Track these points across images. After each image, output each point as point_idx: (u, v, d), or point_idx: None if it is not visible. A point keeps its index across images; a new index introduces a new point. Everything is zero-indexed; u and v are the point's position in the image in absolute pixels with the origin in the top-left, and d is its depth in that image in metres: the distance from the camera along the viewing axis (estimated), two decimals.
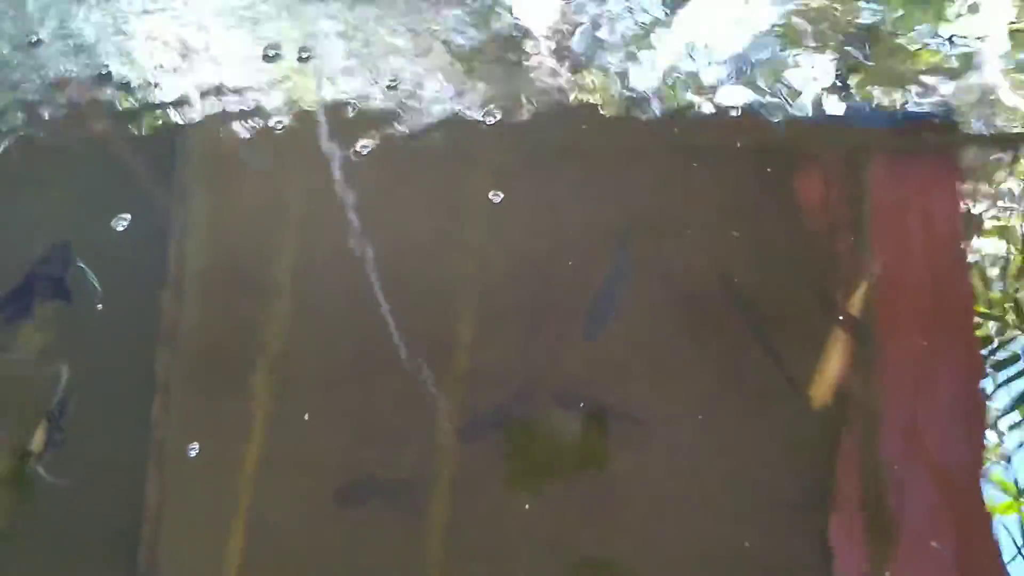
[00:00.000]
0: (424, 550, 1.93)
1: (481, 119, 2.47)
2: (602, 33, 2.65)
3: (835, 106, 2.53)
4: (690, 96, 2.53)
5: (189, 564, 1.96)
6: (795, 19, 2.66)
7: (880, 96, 2.52)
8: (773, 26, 2.67)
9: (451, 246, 2.32)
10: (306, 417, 2.07)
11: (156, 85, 2.58)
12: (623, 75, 2.57)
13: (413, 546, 1.92)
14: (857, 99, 2.54)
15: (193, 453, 2.01)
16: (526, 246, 2.31)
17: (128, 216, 2.33)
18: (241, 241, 2.36)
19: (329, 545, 1.94)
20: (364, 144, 2.44)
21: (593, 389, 2.11)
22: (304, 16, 2.71)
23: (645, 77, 2.56)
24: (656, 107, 2.50)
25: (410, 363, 2.13)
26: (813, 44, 2.62)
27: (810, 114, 2.51)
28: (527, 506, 1.96)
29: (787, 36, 2.64)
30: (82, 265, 2.23)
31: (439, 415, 2.06)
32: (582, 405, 2.09)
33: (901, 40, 2.61)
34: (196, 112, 2.55)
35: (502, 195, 2.35)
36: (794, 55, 2.60)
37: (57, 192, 2.45)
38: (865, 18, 2.66)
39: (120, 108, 2.54)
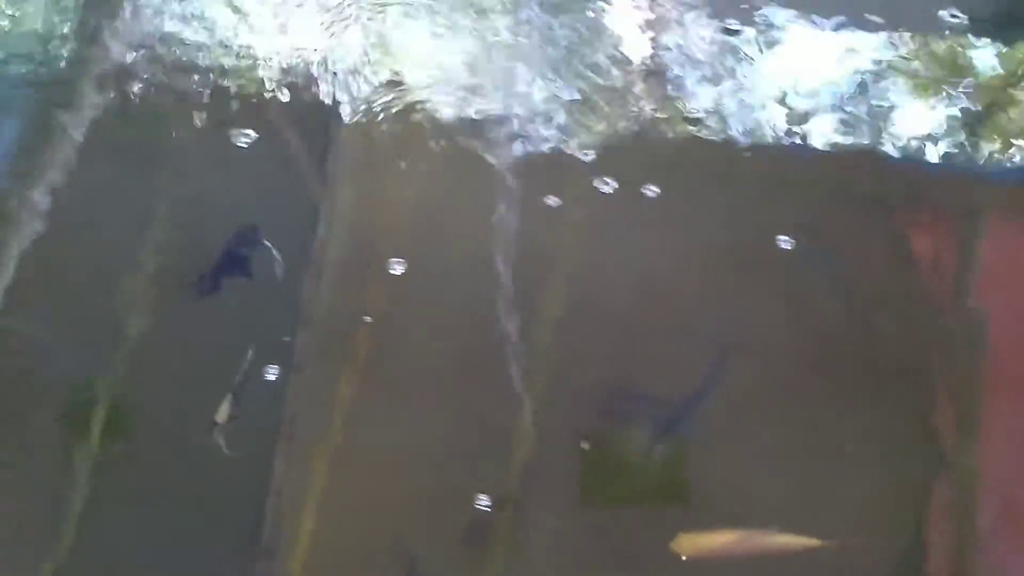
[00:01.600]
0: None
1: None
2: (699, 65, 2.71)
3: (951, 156, 2.48)
4: (789, 133, 2.56)
5: (309, 540, 1.98)
6: (913, 63, 2.64)
7: (1000, 149, 2.50)
8: (885, 66, 2.66)
9: (573, 264, 2.39)
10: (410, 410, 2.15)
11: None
12: (723, 110, 2.63)
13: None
14: (977, 151, 2.51)
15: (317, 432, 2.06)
16: (646, 267, 2.37)
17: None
18: (382, 235, 2.39)
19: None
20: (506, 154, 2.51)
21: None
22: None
23: (748, 114, 2.63)
24: (751, 141, 2.55)
25: (516, 373, 2.20)
26: (929, 89, 2.60)
27: (925, 162, 2.49)
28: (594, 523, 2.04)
29: (901, 77, 2.62)
30: (268, 244, 2.32)
31: (524, 425, 2.14)
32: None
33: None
34: (357, 107, 2.59)
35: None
36: (910, 99, 2.57)
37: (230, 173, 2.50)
38: (985, 63, 2.62)
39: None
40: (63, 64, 2.66)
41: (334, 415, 2.12)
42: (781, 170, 2.57)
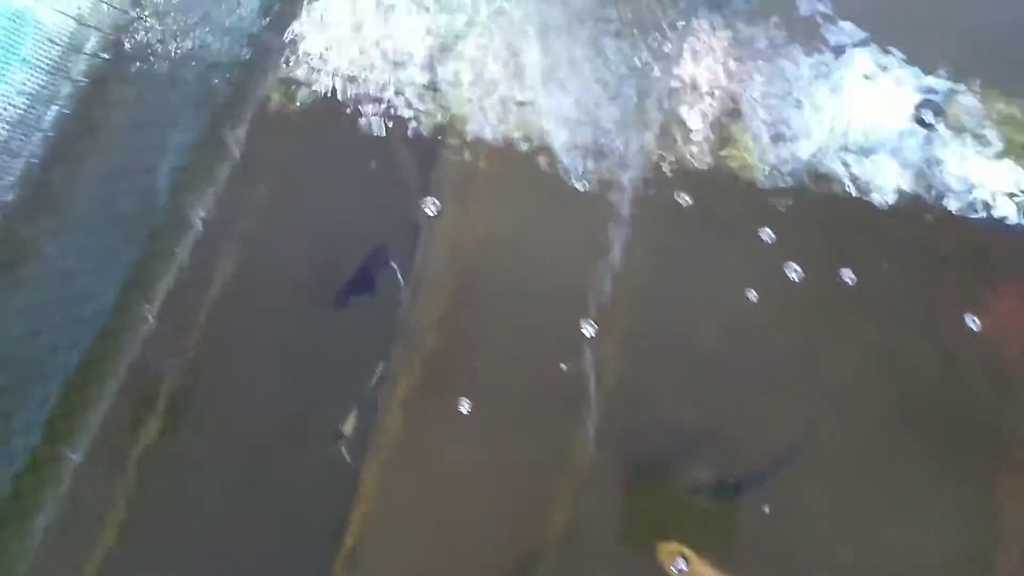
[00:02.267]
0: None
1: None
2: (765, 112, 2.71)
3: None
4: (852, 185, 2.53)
5: (390, 547, 2.17)
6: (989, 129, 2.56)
7: None
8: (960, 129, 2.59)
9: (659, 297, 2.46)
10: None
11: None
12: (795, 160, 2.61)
13: None
14: None
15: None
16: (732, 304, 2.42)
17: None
18: (476, 256, 2.55)
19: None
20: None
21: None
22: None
23: (820, 161, 2.60)
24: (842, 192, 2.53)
25: (598, 402, 2.29)
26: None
27: (1009, 224, 2.43)
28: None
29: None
30: (394, 265, 2.49)
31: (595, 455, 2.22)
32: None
33: None
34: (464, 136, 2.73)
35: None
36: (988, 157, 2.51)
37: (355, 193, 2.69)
38: None
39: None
40: (232, 88, 2.95)
41: (418, 428, 2.28)
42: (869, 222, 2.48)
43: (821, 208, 2.52)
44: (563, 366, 2.30)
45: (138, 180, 2.66)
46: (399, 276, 2.49)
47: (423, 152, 2.73)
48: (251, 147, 2.80)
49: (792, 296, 2.40)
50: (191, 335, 2.48)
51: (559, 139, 2.69)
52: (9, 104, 2.22)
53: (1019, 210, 2.45)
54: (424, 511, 2.21)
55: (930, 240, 2.45)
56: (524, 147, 2.69)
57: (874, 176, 2.54)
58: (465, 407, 2.29)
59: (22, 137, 2.28)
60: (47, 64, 2.35)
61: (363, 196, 2.70)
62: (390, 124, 2.77)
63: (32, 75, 2.29)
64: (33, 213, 2.34)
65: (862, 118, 2.63)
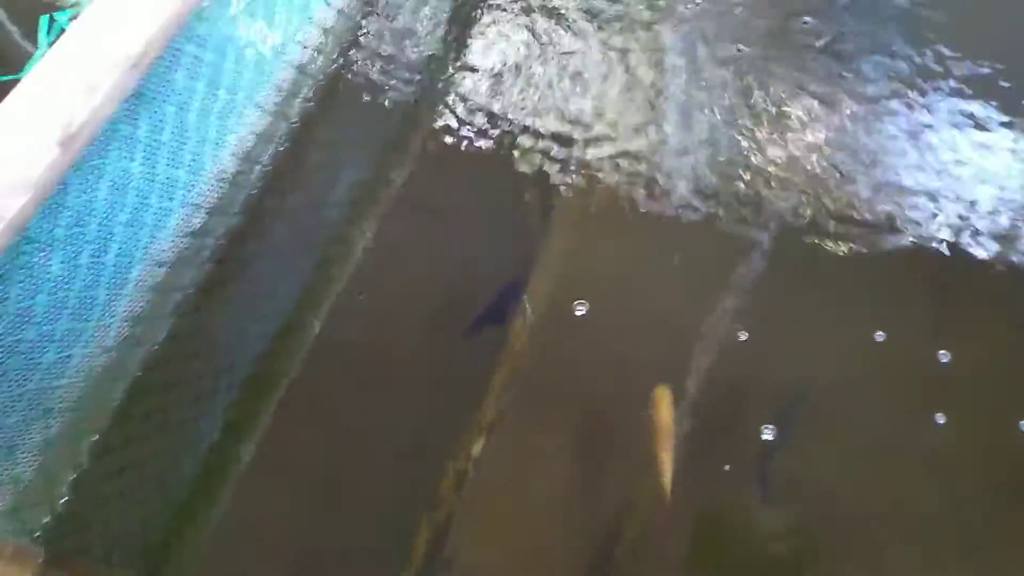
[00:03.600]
0: None
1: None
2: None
3: None
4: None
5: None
6: None
7: None
8: None
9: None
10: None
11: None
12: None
13: None
14: None
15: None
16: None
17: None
18: (580, 288, 2.68)
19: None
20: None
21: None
22: None
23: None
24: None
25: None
26: None
27: None
28: None
29: None
30: (525, 298, 2.66)
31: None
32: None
33: None
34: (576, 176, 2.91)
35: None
36: None
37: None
38: None
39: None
40: (402, 126, 3.19)
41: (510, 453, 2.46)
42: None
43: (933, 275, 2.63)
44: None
45: (318, 212, 2.94)
46: (528, 309, 2.65)
47: (549, 192, 2.92)
48: (410, 185, 3.02)
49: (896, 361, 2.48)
50: (345, 351, 2.71)
51: (681, 186, 2.85)
52: (243, 142, 2.53)
53: None
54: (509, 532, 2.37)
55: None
56: (645, 191, 2.85)
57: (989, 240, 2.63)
58: (557, 433, 2.46)
59: (248, 170, 2.58)
60: (273, 108, 2.67)
61: (499, 232, 2.91)
62: (524, 167, 2.96)
63: (262, 117, 2.61)
64: (247, 238, 2.64)
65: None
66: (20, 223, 1.75)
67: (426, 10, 3.29)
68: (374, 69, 3.13)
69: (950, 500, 2.27)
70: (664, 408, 2.41)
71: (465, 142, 3.00)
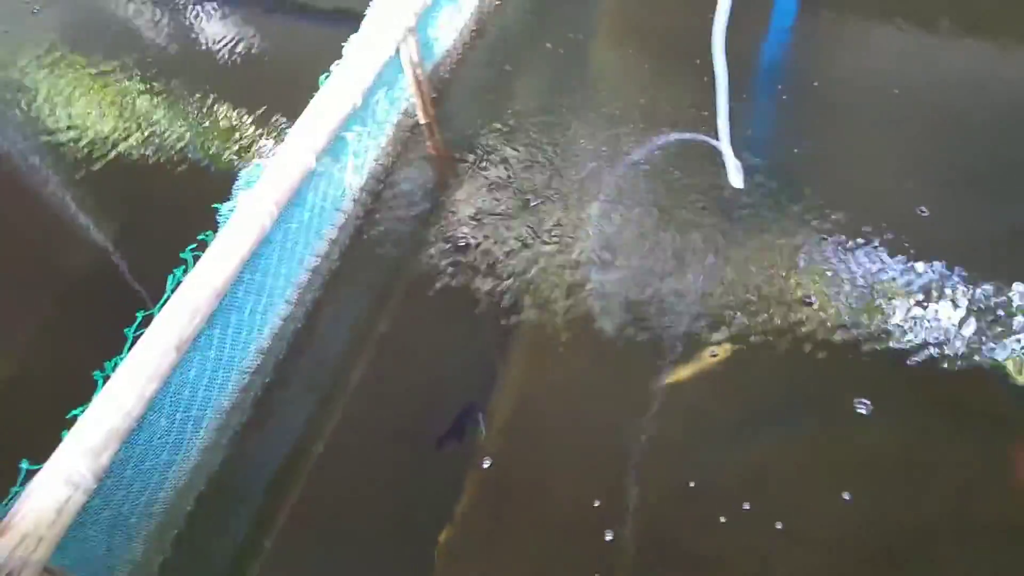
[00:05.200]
0: None
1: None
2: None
3: None
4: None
5: None
6: None
7: None
8: None
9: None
10: None
11: None
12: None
13: None
14: None
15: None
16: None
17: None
18: (539, 405, 3.49)
19: None
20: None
21: None
22: None
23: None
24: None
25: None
26: None
27: None
28: None
29: None
30: (480, 418, 3.39)
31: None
32: None
33: None
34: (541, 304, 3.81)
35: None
36: None
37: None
38: None
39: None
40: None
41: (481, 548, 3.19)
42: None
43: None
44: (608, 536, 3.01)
45: (323, 361, 4.12)
46: (483, 427, 3.35)
47: (504, 313, 3.81)
48: (391, 327, 4.06)
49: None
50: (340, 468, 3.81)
51: (622, 313, 3.73)
52: (273, 327, 3.79)
53: None
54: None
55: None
56: (593, 315, 3.71)
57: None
58: (530, 526, 3.14)
59: (276, 344, 3.83)
60: (296, 299, 3.94)
61: (457, 356, 3.78)
62: (479, 293, 3.89)
63: (287, 308, 3.87)
64: (273, 389, 3.85)
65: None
66: (150, 398, 2.96)
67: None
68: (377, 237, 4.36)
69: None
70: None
71: (438, 285, 3.94)
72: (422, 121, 4.72)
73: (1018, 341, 3.26)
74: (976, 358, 3.27)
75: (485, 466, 3.29)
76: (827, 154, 4.35)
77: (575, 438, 3.38)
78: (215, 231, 3.27)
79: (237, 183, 3.45)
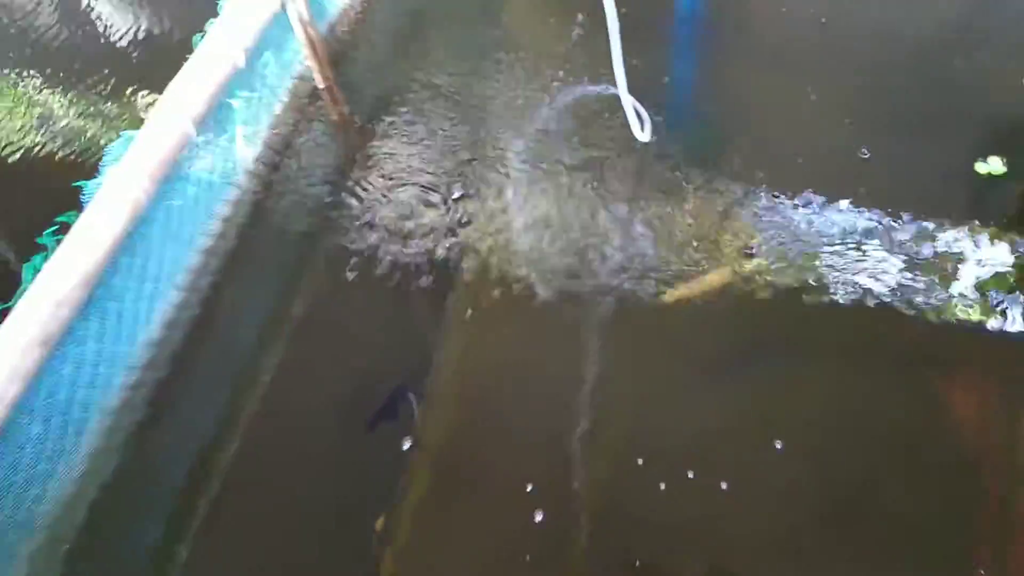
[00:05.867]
0: None
1: None
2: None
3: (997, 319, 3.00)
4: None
5: None
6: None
7: None
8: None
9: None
10: None
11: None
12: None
13: None
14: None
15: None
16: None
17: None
18: (480, 380, 3.28)
19: None
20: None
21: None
22: None
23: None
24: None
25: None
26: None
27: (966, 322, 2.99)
28: None
29: None
30: (411, 398, 3.21)
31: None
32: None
33: None
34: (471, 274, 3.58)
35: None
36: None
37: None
38: None
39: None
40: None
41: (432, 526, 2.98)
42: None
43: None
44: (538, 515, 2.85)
45: (230, 351, 3.82)
46: (415, 407, 3.22)
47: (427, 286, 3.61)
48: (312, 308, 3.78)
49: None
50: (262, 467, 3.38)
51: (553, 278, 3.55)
52: (166, 314, 3.46)
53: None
54: None
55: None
56: (523, 282, 3.52)
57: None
58: (471, 507, 2.97)
59: (170, 335, 3.51)
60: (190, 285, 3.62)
61: (392, 333, 3.59)
62: (413, 270, 3.66)
63: (178, 295, 3.55)
64: (172, 385, 3.53)
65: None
66: (13, 401, 2.63)
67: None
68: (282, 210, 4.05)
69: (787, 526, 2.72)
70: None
71: (353, 261, 3.67)
72: (320, 86, 4.40)
73: (948, 282, 3.23)
74: (908, 301, 3.21)
75: (421, 446, 3.12)
76: (751, 98, 4.21)
77: (514, 409, 3.24)
78: (80, 212, 2.92)
79: (105, 158, 3.10)
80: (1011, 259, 3.27)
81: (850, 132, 3.95)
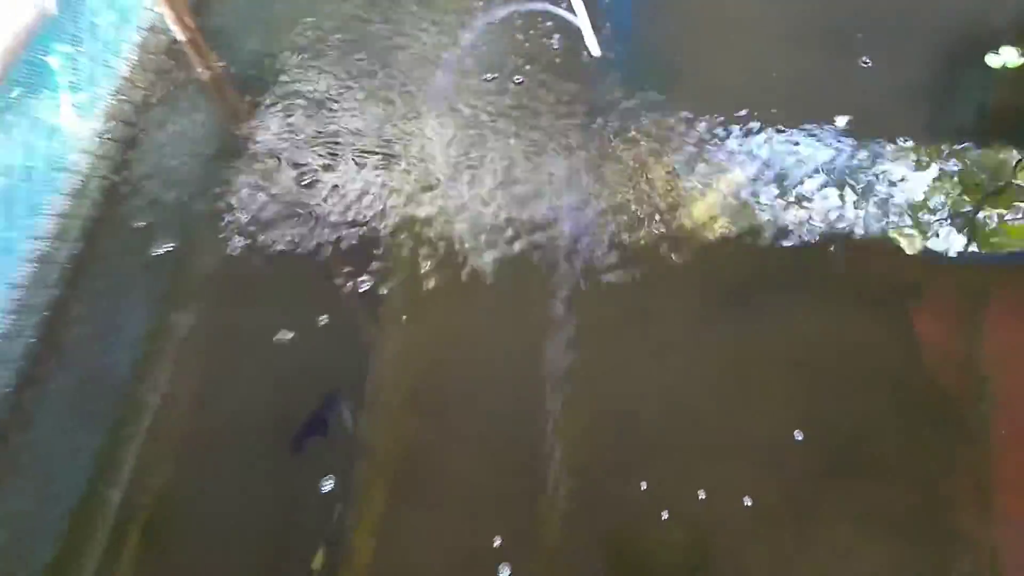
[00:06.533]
0: None
1: None
2: None
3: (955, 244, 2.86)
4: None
5: None
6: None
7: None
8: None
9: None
10: None
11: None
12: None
13: None
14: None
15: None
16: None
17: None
18: (425, 368, 2.84)
19: None
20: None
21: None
22: None
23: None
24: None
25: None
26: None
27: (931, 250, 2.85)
28: None
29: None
30: (344, 407, 2.77)
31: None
32: None
33: None
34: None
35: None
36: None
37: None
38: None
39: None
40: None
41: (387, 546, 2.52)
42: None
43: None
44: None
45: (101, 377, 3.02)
46: (349, 417, 2.78)
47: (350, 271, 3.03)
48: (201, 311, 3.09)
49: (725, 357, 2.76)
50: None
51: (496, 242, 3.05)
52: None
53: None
54: None
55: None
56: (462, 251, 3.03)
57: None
58: (430, 515, 2.56)
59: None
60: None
61: (313, 335, 2.96)
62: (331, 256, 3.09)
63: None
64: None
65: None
66: None
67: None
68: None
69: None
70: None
71: (251, 252, 3.11)
72: (181, 38, 3.51)
73: (900, 207, 2.99)
74: (867, 233, 2.95)
75: (366, 460, 2.66)
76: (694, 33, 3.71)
77: (471, 405, 2.77)
78: None
79: None
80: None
81: (797, 58, 3.45)
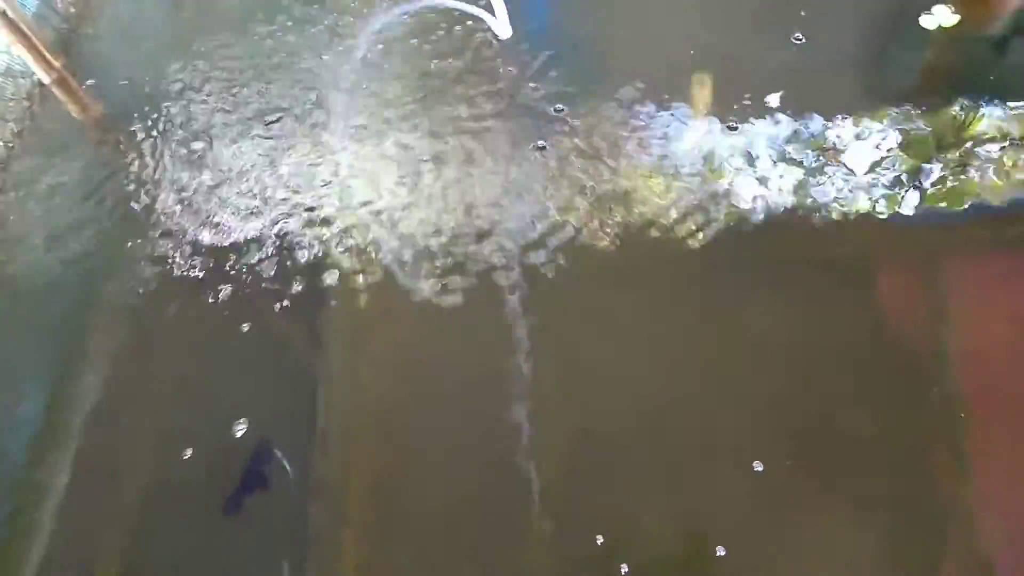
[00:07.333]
0: None
1: None
2: None
3: (909, 206, 2.76)
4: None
5: None
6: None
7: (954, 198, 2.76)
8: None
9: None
10: None
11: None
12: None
13: None
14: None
15: None
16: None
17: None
18: (377, 394, 2.64)
19: None
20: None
21: None
22: None
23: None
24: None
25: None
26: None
27: (885, 215, 2.74)
28: None
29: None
30: (280, 456, 2.55)
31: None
32: None
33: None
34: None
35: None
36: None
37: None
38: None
39: None
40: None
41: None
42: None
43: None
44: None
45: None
46: (286, 465, 2.54)
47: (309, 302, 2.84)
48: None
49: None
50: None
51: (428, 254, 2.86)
52: None
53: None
54: None
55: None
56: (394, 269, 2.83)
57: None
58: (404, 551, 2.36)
59: None
60: None
61: (250, 377, 2.79)
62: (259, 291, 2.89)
63: None
64: None
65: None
66: None
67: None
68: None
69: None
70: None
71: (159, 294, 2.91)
72: (46, 80, 3.33)
73: (843, 180, 2.86)
74: (818, 204, 2.81)
75: (321, 503, 2.44)
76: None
77: (432, 431, 2.55)
78: None
79: None
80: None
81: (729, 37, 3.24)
